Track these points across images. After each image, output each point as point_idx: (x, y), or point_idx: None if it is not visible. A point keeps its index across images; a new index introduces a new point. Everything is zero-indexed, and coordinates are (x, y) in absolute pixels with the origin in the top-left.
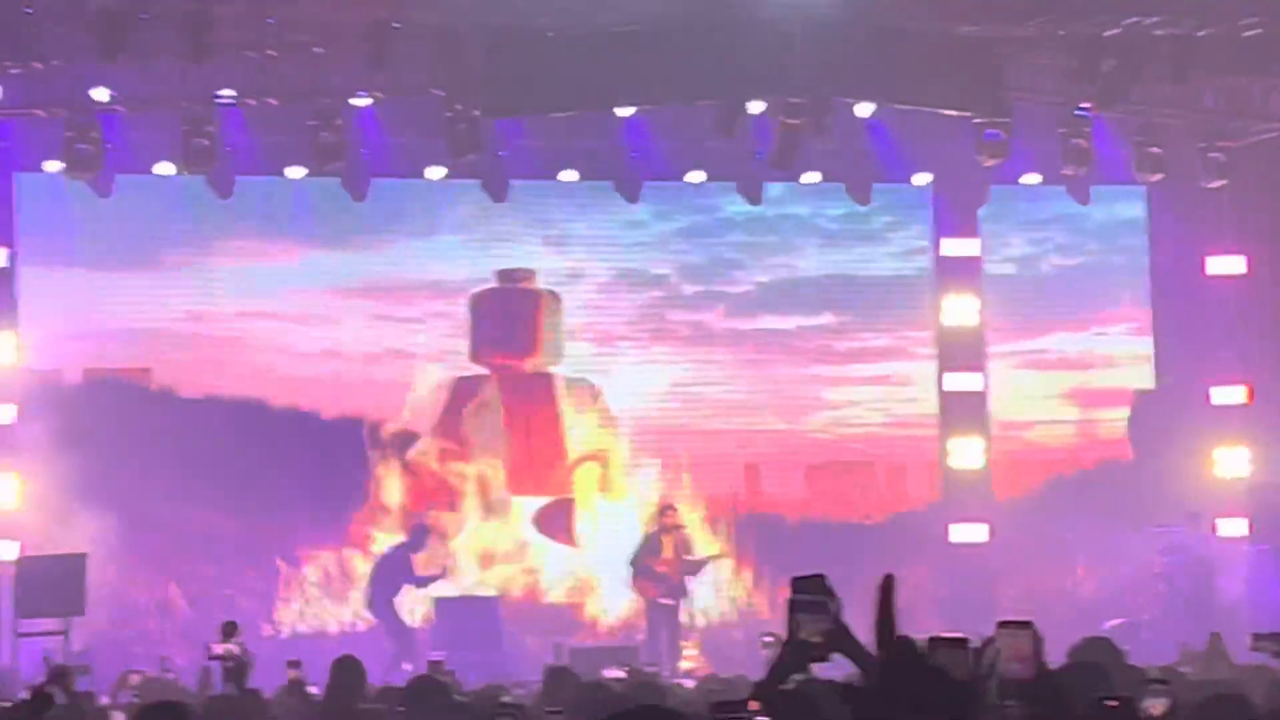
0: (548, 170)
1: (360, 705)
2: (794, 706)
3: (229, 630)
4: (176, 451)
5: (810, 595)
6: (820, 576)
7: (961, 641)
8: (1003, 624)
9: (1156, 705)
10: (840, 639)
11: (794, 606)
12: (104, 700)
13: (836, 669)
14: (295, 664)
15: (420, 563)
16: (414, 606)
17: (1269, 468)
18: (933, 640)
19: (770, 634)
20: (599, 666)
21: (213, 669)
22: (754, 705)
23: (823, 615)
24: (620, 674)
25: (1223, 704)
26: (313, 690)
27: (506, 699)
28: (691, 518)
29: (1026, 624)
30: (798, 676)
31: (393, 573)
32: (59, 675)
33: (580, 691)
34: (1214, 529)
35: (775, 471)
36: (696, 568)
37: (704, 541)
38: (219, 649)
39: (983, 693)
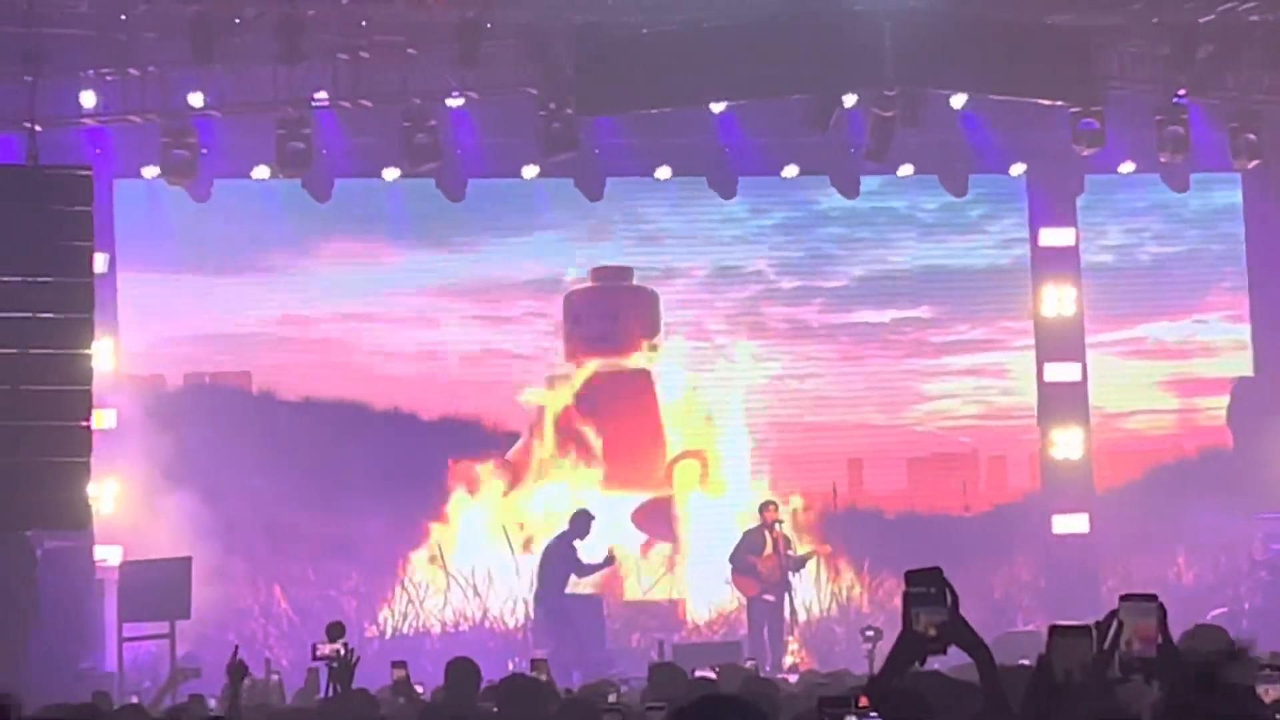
0: (642, 167)
1: (476, 705)
2: (905, 702)
3: (335, 631)
4: (277, 454)
5: (926, 587)
6: (936, 569)
7: (1084, 630)
8: (1126, 598)
9: (1272, 691)
10: (956, 631)
11: (910, 599)
12: (212, 704)
13: (948, 660)
14: (401, 665)
15: (584, 550)
16: (515, 604)
17: None
18: (1053, 629)
19: (871, 628)
20: (701, 663)
21: (319, 670)
22: (864, 701)
23: (939, 607)
24: (709, 674)
25: None
26: (418, 689)
27: (613, 697)
28: (791, 513)
29: (1151, 598)
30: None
31: (558, 563)
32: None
33: (687, 688)
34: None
35: (875, 465)
36: (797, 564)
37: (804, 537)
38: (325, 650)
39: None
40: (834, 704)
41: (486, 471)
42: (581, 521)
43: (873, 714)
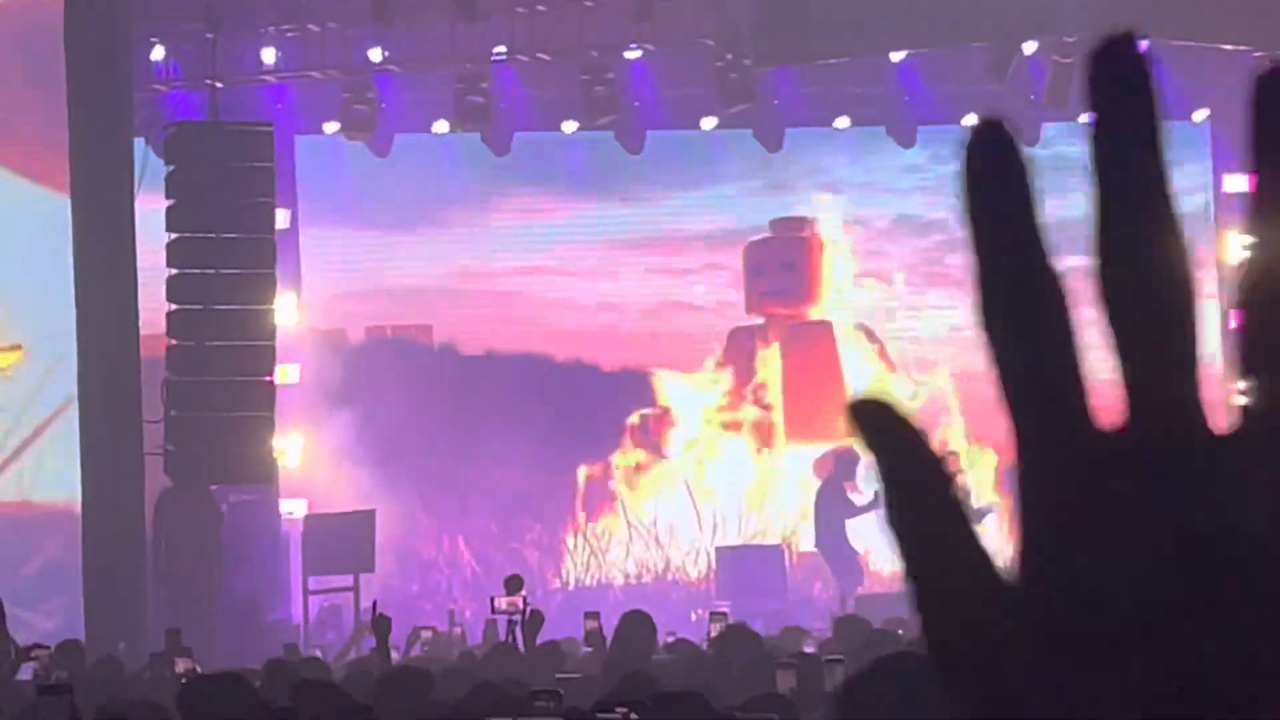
0: (821, 118)
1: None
2: None
3: (513, 585)
4: (459, 407)
5: None
6: None
7: None
8: None
9: None
10: None
11: None
12: (396, 656)
13: None
14: (593, 615)
15: (854, 491)
16: (697, 556)
17: None
18: None
19: None
20: (885, 614)
21: (498, 622)
22: None
23: None
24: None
25: None
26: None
27: (810, 646)
28: (975, 463)
29: None
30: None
31: (829, 504)
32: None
33: (870, 638)
34: None
35: None
36: (979, 515)
37: (985, 488)
38: (503, 603)
39: None
40: None
41: (666, 422)
42: (847, 462)
43: None
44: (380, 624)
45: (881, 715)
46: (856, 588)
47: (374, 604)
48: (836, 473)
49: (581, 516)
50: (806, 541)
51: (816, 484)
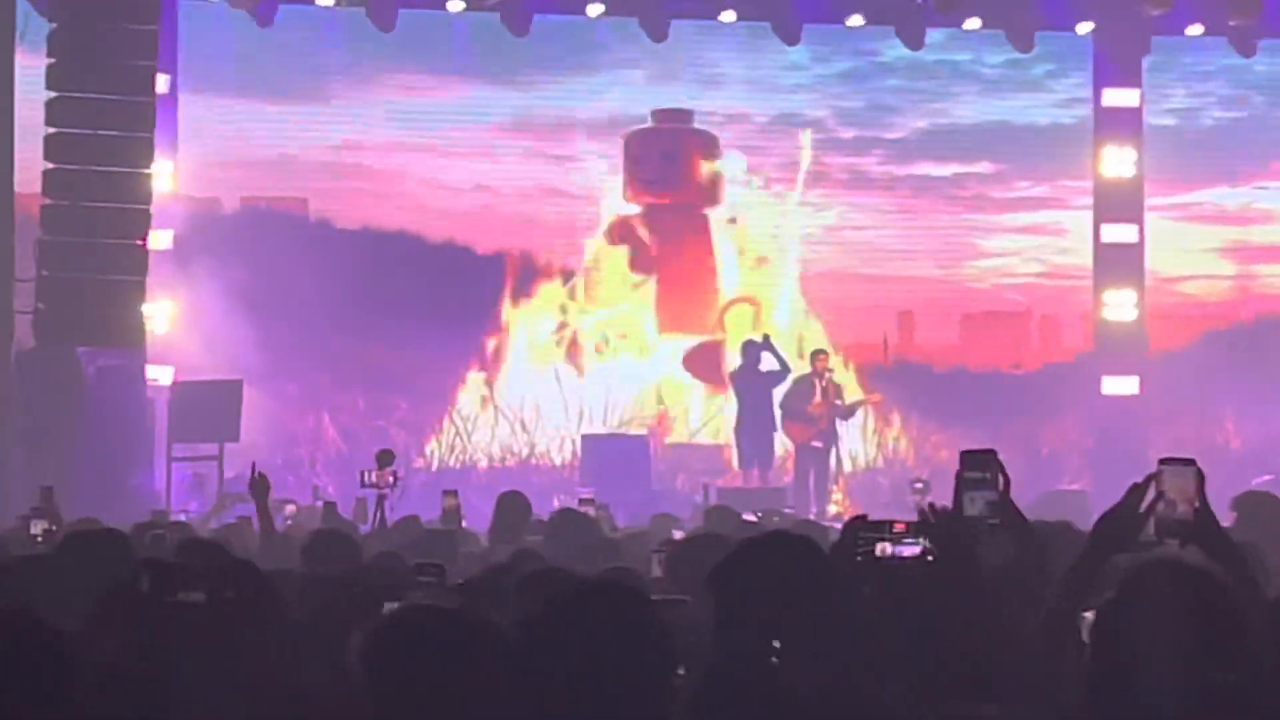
0: (707, 10)
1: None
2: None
3: (384, 459)
4: (331, 281)
5: (980, 472)
6: (990, 452)
7: (1190, 461)
8: (1164, 461)
9: None
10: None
11: (962, 482)
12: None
13: None
14: (451, 493)
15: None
16: (563, 442)
17: None
18: (1163, 461)
19: (920, 480)
20: (746, 508)
21: (368, 498)
22: (900, 526)
23: (991, 491)
24: (752, 518)
25: None
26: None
27: (678, 533)
28: (842, 363)
29: (1189, 462)
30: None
31: (751, 385)
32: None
33: (738, 530)
34: None
35: (928, 319)
36: (847, 413)
37: (854, 386)
38: (373, 477)
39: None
40: (869, 528)
41: (538, 306)
42: (752, 350)
43: (908, 539)
44: (259, 486)
45: (754, 590)
46: (769, 471)
47: (253, 465)
48: (751, 358)
49: (448, 397)
50: (673, 433)
51: (687, 376)
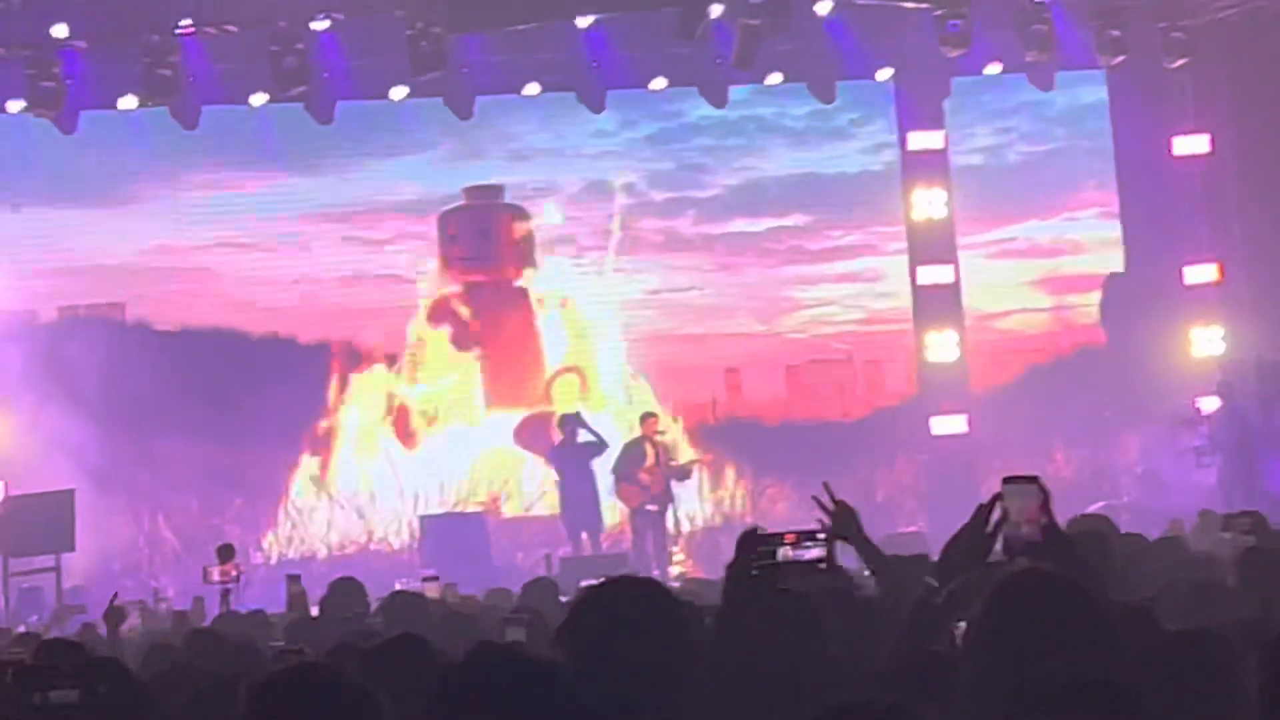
0: (511, 84)
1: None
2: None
3: (225, 553)
4: (155, 384)
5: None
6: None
7: (1032, 479)
8: (1008, 480)
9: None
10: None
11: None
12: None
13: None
14: (295, 578)
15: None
16: (400, 526)
17: (1241, 343)
18: (1006, 480)
19: (756, 527)
20: (587, 576)
21: (204, 598)
22: (790, 537)
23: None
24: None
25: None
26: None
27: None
28: (672, 424)
29: (1033, 479)
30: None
31: (572, 460)
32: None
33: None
34: (1196, 408)
35: (753, 374)
36: (682, 474)
37: (686, 448)
38: (216, 573)
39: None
40: (764, 541)
41: (365, 391)
42: (569, 425)
43: (807, 543)
44: (113, 615)
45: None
46: (598, 540)
47: (114, 596)
48: (569, 432)
49: (282, 490)
50: (509, 507)
51: (518, 450)
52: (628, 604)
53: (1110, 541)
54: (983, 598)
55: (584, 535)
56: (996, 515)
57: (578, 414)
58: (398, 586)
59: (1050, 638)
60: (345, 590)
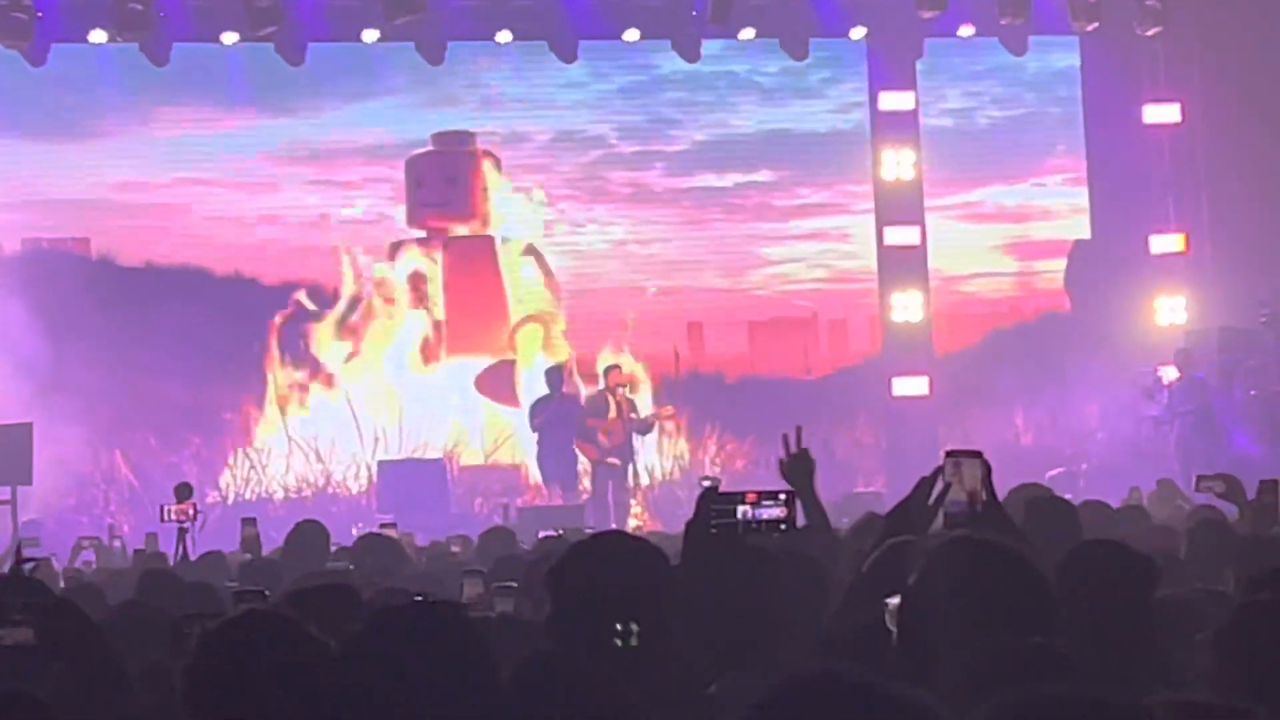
0: (483, 31)
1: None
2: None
3: (183, 492)
4: (117, 320)
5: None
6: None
7: (976, 453)
8: (950, 453)
9: None
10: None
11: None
12: (59, 568)
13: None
14: (250, 521)
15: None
16: (359, 470)
17: (1205, 313)
18: (949, 453)
19: (708, 477)
20: (545, 526)
21: (157, 535)
22: (751, 496)
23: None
24: (552, 534)
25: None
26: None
27: (457, 548)
28: (636, 372)
29: (976, 453)
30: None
31: (552, 415)
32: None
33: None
34: (1158, 377)
35: (717, 329)
36: (644, 427)
37: (647, 400)
38: (174, 511)
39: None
40: (722, 499)
41: (328, 334)
42: (554, 377)
43: (766, 502)
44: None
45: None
46: (571, 491)
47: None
48: (554, 384)
49: (242, 431)
50: (468, 455)
51: (480, 397)
52: (621, 557)
53: (1048, 511)
54: (918, 566)
55: (558, 487)
56: (939, 487)
57: (560, 366)
58: (354, 532)
59: (987, 604)
60: (308, 533)
